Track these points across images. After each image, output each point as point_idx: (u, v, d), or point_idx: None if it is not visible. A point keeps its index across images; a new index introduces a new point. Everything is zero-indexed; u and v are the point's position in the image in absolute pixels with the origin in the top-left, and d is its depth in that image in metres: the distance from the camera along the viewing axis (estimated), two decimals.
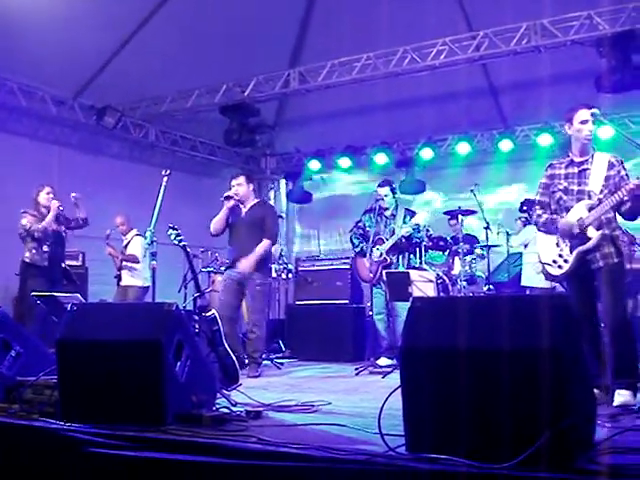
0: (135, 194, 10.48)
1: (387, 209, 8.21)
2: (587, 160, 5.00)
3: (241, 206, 7.47)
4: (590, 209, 4.83)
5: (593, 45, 8.59)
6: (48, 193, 8.13)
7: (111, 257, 9.45)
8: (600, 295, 4.87)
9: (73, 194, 8.28)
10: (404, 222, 8.02)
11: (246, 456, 3.15)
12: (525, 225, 9.26)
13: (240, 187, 7.45)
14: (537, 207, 5.22)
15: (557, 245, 5.00)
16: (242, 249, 7.25)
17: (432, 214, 8.50)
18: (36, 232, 7.87)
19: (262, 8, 10.22)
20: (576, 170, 5.01)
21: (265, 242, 7.30)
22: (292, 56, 11.49)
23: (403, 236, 7.92)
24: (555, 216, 5.04)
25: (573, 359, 2.88)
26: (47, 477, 3.61)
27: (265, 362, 8.64)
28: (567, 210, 4.97)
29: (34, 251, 7.93)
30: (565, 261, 4.94)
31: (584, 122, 5.01)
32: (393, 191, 8.24)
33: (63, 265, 8.28)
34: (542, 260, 5.14)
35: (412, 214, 8.12)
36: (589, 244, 4.80)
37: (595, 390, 4.80)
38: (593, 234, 4.79)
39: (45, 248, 7.91)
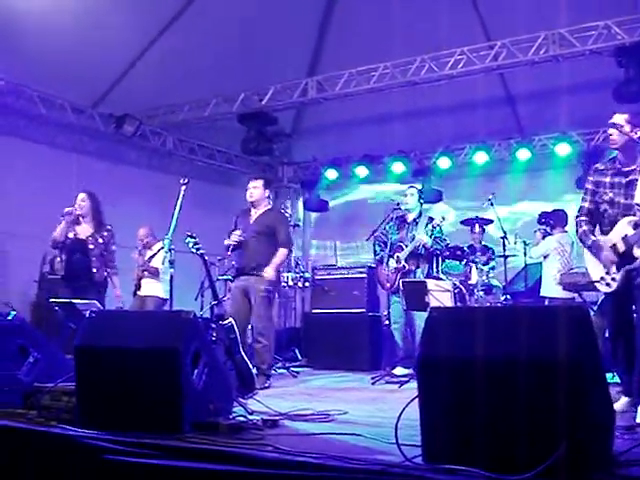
0: (153, 202, 10.53)
1: (409, 212, 8.19)
2: (634, 170, 4.79)
3: (252, 212, 7.30)
4: (636, 226, 4.63)
5: (611, 55, 8.57)
6: (81, 200, 7.84)
7: (138, 265, 9.35)
8: (637, 311, 4.77)
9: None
10: (425, 229, 7.99)
11: (262, 465, 3.15)
12: (544, 237, 9.22)
13: (255, 190, 7.28)
14: (584, 220, 5.04)
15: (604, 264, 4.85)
16: (250, 257, 7.07)
17: (450, 224, 8.47)
18: (50, 242, 7.75)
19: (280, 17, 10.27)
20: (624, 181, 4.81)
21: (282, 251, 7.15)
22: (310, 65, 11.53)
23: (423, 245, 7.89)
24: (596, 240, 4.89)
25: (591, 371, 2.86)
26: None
27: (281, 370, 8.66)
28: (611, 224, 4.82)
29: (56, 260, 7.86)
30: (613, 279, 4.79)
31: (615, 125, 4.83)
32: (420, 195, 8.26)
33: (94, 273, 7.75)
34: (592, 278, 4.97)
35: (433, 221, 8.11)
36: (636, 264, 4.64)
37: (625, 398, 4.79)
38: (639, 254, 4.62)
39: (63, 257, 7.79)
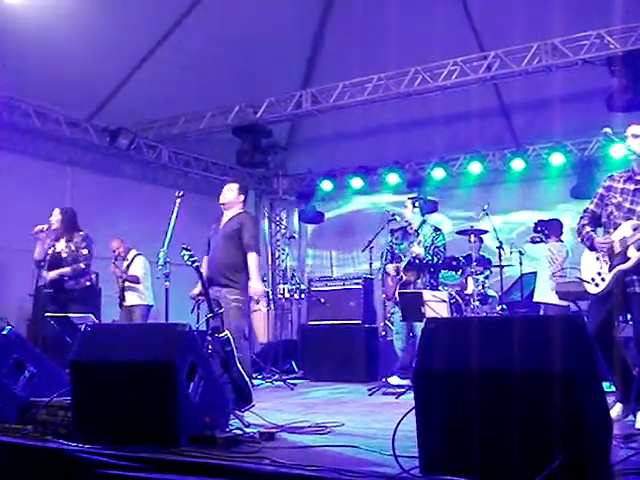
0: (148, 215, 10.52)
1: (409, 223, 8.19)
2: None
3: (224, 216, 6.79)
4: (635, 229, 4.70)
5: (604, 64, 8.60)
6: (55, 215, 7.86)
7: (115, 276, 9.43)
8: (634, 320, 4.80)
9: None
10: (432, 239, 7.98)
11: (260, 478, 3.14)
12: (534, 243, 9.25)
13: (229, 192, 6.81)
14: (586, 215, 5.11)
15: (598, 262, 4.90)
16: (218, 266, 6.50)
17: (446, 234, 8.46)
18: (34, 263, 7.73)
19: (274, 30, 10.31)
20: (632, 187, 4.88)
21: (251, 257, 6.49)
22: (304, 77, 11.56)
23: (416, 257, 7.89)
24: (593, 234, 4.96)
25: (588, 380, 2.86)
26: None
27: (278, 383, 8.64)
28: (615, 227, 4.86)
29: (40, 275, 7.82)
30: (602, 279, 4.84)
31: (635, 136, 4.87)
32: (413, 205, 8.24)
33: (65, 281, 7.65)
34: (583, 277, 5.03)
35: (438, 231, 8.11)
36: (628, 264, 4.69)
37: (619, 404, 4.79)
38: (633, 254, 4.67)
39: (44, 274, 7.63)
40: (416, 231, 8.11)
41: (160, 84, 10.25)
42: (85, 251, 7.75)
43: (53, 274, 7.58)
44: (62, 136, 10.62)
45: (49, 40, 9.08)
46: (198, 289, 6.37)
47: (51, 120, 10.39)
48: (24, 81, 9.39)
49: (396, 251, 8.23)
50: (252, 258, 6.48)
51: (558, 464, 2.67)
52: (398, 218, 8.49)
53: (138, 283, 9.30)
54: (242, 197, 6.89)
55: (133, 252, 9.52)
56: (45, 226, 7.73)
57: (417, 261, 7.92)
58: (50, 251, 7.64)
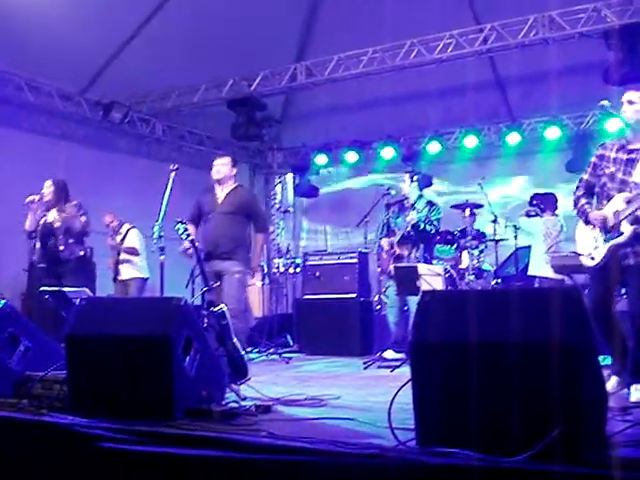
0: (142, 189, 10.47)
1: (407, 198, 8.18)
2: (639, 149, 4.75)
3: (217, 191, 6.86)
4: (628, 202, 4.62)
5: (601, 37, 8.56)
6: (47, 187, 7.82)
7: (112, 250, 9.42)
8: (628, 292, 4.82)
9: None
10: (428, 213, 7.96)
11: (256, 450, 3.14)
12: (529, 217, 9.25)
13: (223, 167, 6.84)
14: (581, 186, 5.04)
15: (594, 237, 4.86)
16: (220, 240, 6.59)
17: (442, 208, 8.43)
18: (25, 234, 7.74)
19: (268, 2, 10.21)
20: (625, 157, 4.78)
21: (261, 237, 6.91)
22: (299, 50, 11.49)
23: (412, 226, 7.86)
24: (587, 208, 4.91)
25: (585, 352, 2.86)
26: (56, 472, 3.61)
27: (273, 357, 8.66)
28: (608, 199, 4.79)
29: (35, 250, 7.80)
30: (598, 253, 4.80)
31: (630, 103, 4.76)
32: (411, 179, 8.21)
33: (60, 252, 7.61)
34: (578, 251, 5.01)
35: (432, 205, 8.09)
36: (621, 239, 4.64)
37: (615, 377, 4.80)
38: (626, 229, 4.62)
39: (37, 245, 7.69)
40: (412, 205, 8.10)
41: (153, 57, 10.17)
42: (84, 218, 7.75)
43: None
44: (55, 110, 10.55)
45: (40, 13, 9.00)
46: (187, 244, 6.28)
47: (44, 94, 10.32)
48: (15, 55, 9.31)
49: (392, 225, 8.23)
50: (262, 238, 6.89)
51: (555, 436, 2.67)
52: (393, 192, 8.48)
53: (137, 255, 9.29)
54: (235, 170, 6.97)
55: (126, 225, 9.51)
56: (37, 197, 7.70)
57: (411, 232, 7.90)
58: (42, 221, 7.62)
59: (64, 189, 7.84)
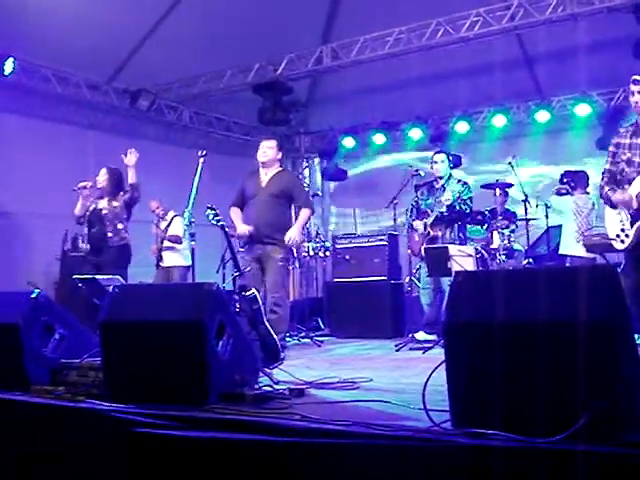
0: (171, 176, 10.51)
1: (440, 178, 8.15)
2: None
3: (261, 174, 6.87)
4: None
5: (629, 11, 8.41)
6: (102, 175, 7.87)
7: (156, 238, 9.45)
8: None
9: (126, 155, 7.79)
10: (457, 193, 7.94)
11: (290, 433, 3.15)
12: (560, 195, 9.16)
13: (270, 150, 6.82)
14: (604, 176, 5.15)
15: (620, 220, 4.97)
16: (264, 224, 6.61)
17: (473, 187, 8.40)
18: (75, 219, 7.81)
19: None
20: (639, 141, 4.92)
21: (305, 211, 6.76)
22: (324, 32, 11.41)
23: (447, 206, 7.83)
24: (611, 192, 5.00)
25: (620, 331, 2.82)
26: (94, 457, 3.65)
27: (305, 340, 8.68)
28: (629, 182, 4.90)
29: (79, 237, 7.87)
30: (627, 235, 4.91)
31: (632, 94, 4.91)
32: (447, 159, 8.21)
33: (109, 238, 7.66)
34: (609, 235, 5.10)
35: (465, 184, 8.07)
36: None
37: None
38: None
39: (85, 230, 7.82)
40: (443, 186, 8.07)
41: (178, 44, 10.18)
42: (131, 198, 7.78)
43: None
44: (82, 99, 10.62)
45: (65, 3, 9.04)
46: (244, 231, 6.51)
47: (71, 84, 10.39)
48: (42, 46, 9.38)
49: (422, 206, 8.20)
50: (307, 213, 6.78)
51: (591, 415, 2.65)
52: (422, 173, 8.45)
53: (180, 243, 9.31)
54: (280, 154, 6.96)
55: (172, 213, 9.52)
56: (89, 183, 7.76)
57: (445, 213, 7.87)
58: (91, 208, 7.67)
59: (120, 178, 7.89)
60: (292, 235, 6.61)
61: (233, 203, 6.93)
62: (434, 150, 8.86)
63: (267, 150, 6.86)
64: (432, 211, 8.01)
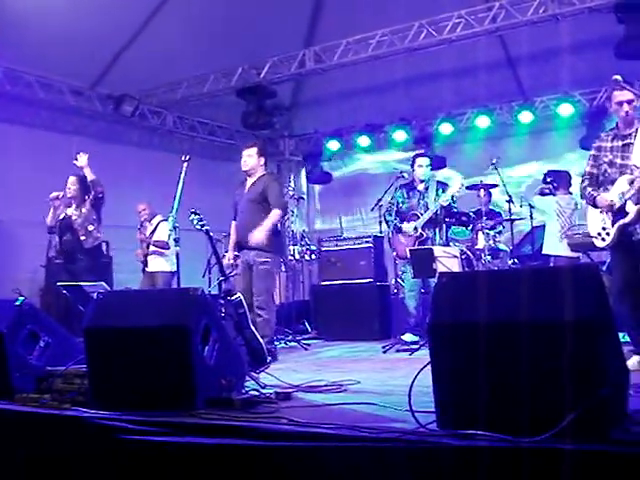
0: (155, 181, 10.48)
1: (422, 182, 8.19)
2: (631, 134, 5.04)
3: (247, 181, 6.99)
4: (631, 183, 4.89)
5: (611, 11, 8.44)
6: (71, 183, 8.00)
7: (141, 243, 9.38)
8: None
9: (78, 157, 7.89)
10: (437, 195, 8.01)
11: (278, 438, 3.15)
12: (543, 195, 9.20)
13: (249, 158, 6.92)
14: (585, 178, 5.29)
15: (602, 219, 5.11)
16: (245, 230, 6.74)
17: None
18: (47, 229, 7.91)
19: None
20: (620, 143, 5.07)
21: (274, 212, 6.72)
22: (307, 35, 11.40)
23: (442, 207, 7.89)
24: (594, 193, 5.14)
25: (604, 329, 2.84)
26: (80, 465, 3.64)
27: (292, 343, 8.68)
28: (612, 183, 5.06)
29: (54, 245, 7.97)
30: (607, 234, 5.06)
31: (620, 104, 5.05)
32: (430, 163, 8.28)
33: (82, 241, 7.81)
34: (590, 233, 5.27)
35: (444, 186, 8.13)
36: (627, 219, 4.91)
37: (636, 356, 4.89)
38: (631, 209, 4.88)
39: (56, 240, 7.87)
40: (425, 188, 8.11)
41: (161, 49, 10.14)
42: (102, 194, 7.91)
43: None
44: (66, 106, 10.57)
45: (48, 9, 9.00)
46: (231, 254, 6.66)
47: (55, 90, 10.34)
48: (24, 52, 9.31)
49: (403, 208, 8.20)
50: (275, 213, 6.73)
51: (576, 414, 2.66)
52: (406, 175, 8.48)
53: (167, 248, 9.19)
54: (262, 159, 7.04)
55: (158, 217, 9.40)
56: (61, 193, 7.84)
57: (440, 214, 7.94)
58: (61, 216, 7.72)
59: (87, 184, 7.94)
60: (256, 235, 6.62)
61: (233, 218, 7.08)
62: (416, 152, 8.89)
63: (247, 159, 6.97)
64: (421, 214, 8.04)
